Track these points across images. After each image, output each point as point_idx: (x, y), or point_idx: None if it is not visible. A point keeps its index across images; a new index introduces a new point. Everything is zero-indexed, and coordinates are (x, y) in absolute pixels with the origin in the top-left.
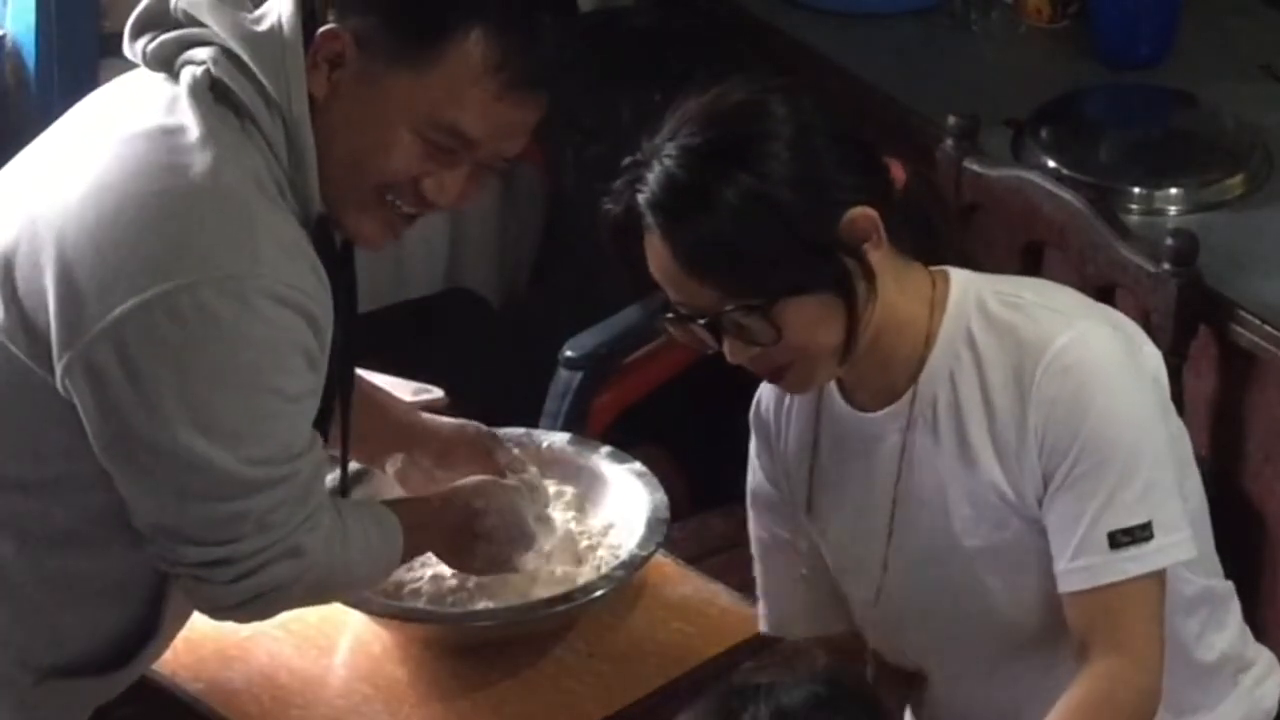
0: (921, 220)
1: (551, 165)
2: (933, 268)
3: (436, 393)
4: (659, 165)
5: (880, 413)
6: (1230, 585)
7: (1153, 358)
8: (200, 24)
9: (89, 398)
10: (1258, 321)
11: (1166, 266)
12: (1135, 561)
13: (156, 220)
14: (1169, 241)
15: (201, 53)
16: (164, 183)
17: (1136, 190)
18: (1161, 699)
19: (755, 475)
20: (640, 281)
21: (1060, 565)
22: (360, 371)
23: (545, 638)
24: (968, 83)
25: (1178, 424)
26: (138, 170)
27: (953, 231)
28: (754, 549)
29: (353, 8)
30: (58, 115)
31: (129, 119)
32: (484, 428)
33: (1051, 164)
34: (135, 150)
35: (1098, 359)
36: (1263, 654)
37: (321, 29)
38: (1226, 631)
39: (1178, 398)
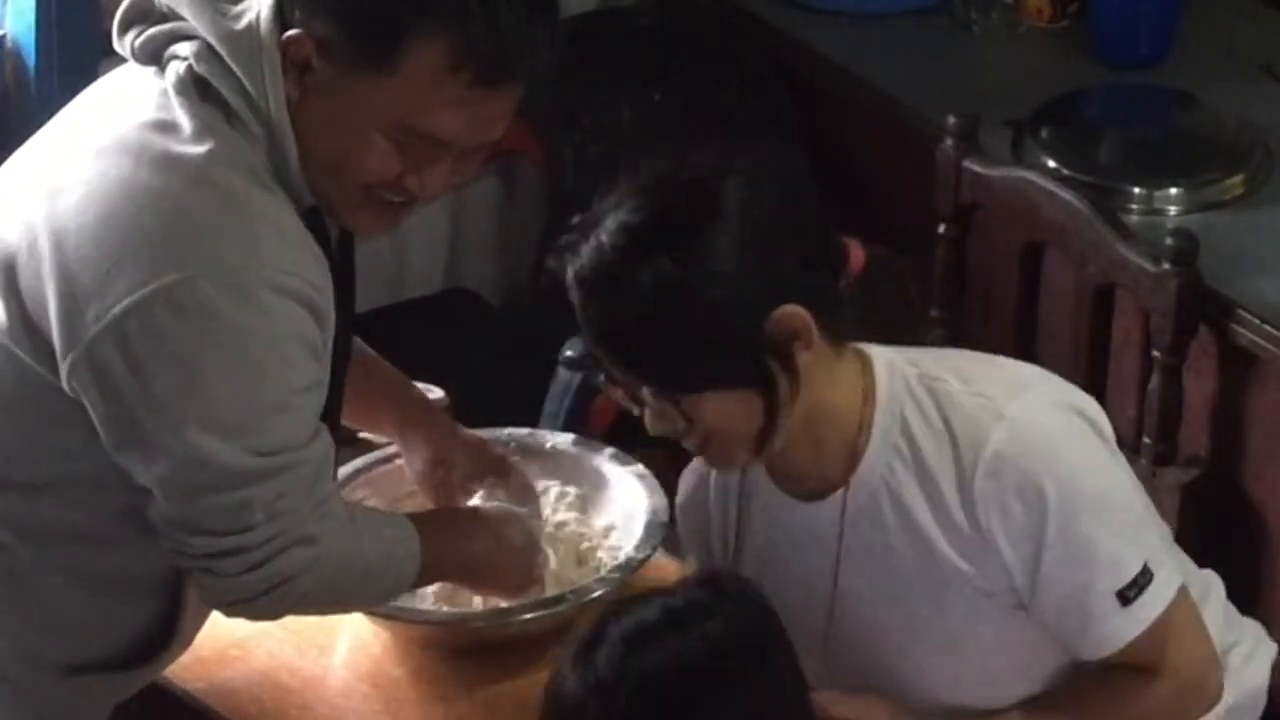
0: (873, 308)
1: (551, 165)
2: (853, 345)
3: (437, 393)
4: (594, 238)
5: (819, 503)
6: (1204, 576)
7: (1086, 401)
8: (180, 18)
9: (95, 395)
10: (1258, 321)
11: (1166, 266)
12: (1150, 606)
13: (154, 216)
14: (1169, 241)
15: (185, 47)
16: (160, 179)
17: (1136, 190)
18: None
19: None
20: None
21: (1080, 640)
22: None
23: (545, 638)
24: (968, 83)
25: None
26: (134, 169)
27: (915, 319)
28: None
29: (313, 13)
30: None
31: (122, 117)
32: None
33: (1051, 164)
34: (130, 148)
35: (1035, 440)
36: (1247, 629)
37: (287, 34)
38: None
39: (1178, 398)
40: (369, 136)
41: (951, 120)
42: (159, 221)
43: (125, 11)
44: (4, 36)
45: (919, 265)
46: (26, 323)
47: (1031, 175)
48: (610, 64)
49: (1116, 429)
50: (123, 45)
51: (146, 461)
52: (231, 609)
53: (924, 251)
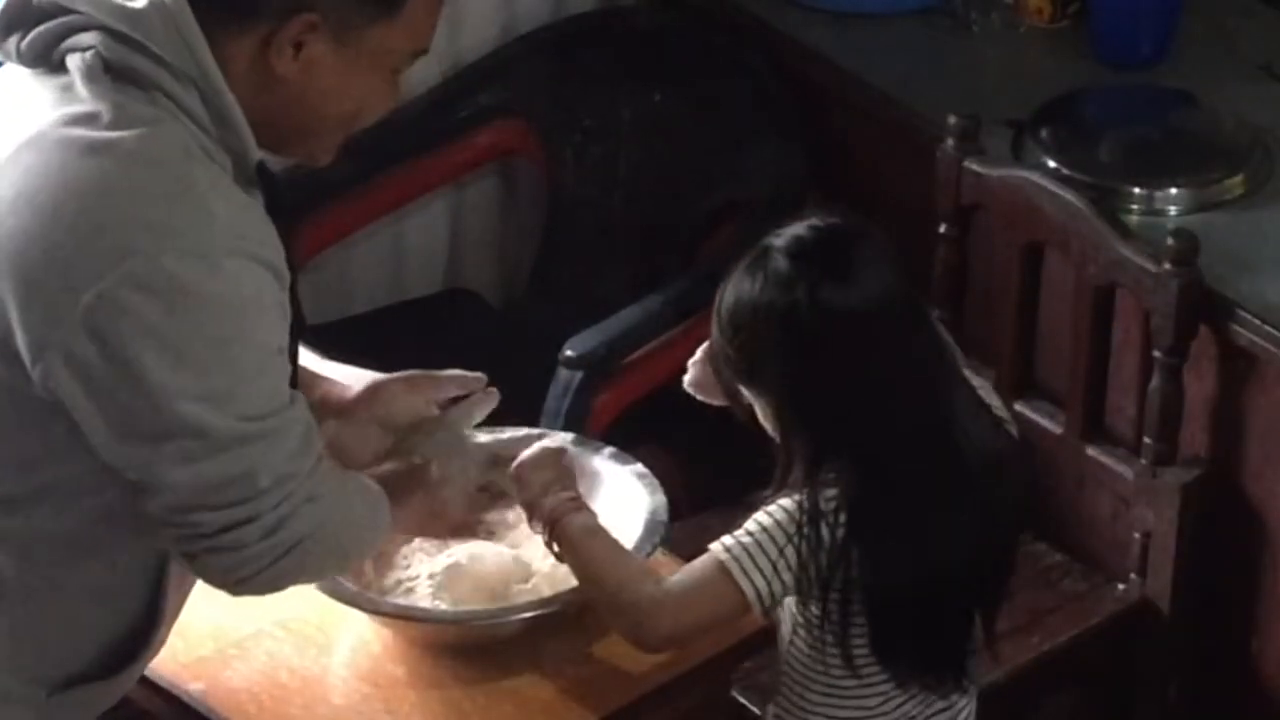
0: None
1: (551, 165)
2: None
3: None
4: None
5: None
6: None
7: None
8: (71, 11)
9: (77, 392)
10: (1258, 321)
11: (1167, 266)
12: None
13: (101, 203)
14: (1169, 241)
15: (85, 38)
16: (96, 166)
17: (1137, 190)
18: None
19: None
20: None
21: None
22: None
23: (544, 637)
24: (968, 83)
25: None
26: (63, 161)
27: None
28: None
29: None
30: None
31: (25, 117)
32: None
33: (1052, 164)
34: (51, 143)
35: None
36: None
37: (298, 16)
38: None
39: (1178, 398)
40: (382, 78)
41: (952, 120)
42: (106, 207)
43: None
44: None
45: (919, 265)
46: None
47: (1032, 175)
48: (610, 64)
49: (1117, 429)
50: (4, 51)
51: (139, 451)
52: (242, 585)
53: (924, 251)
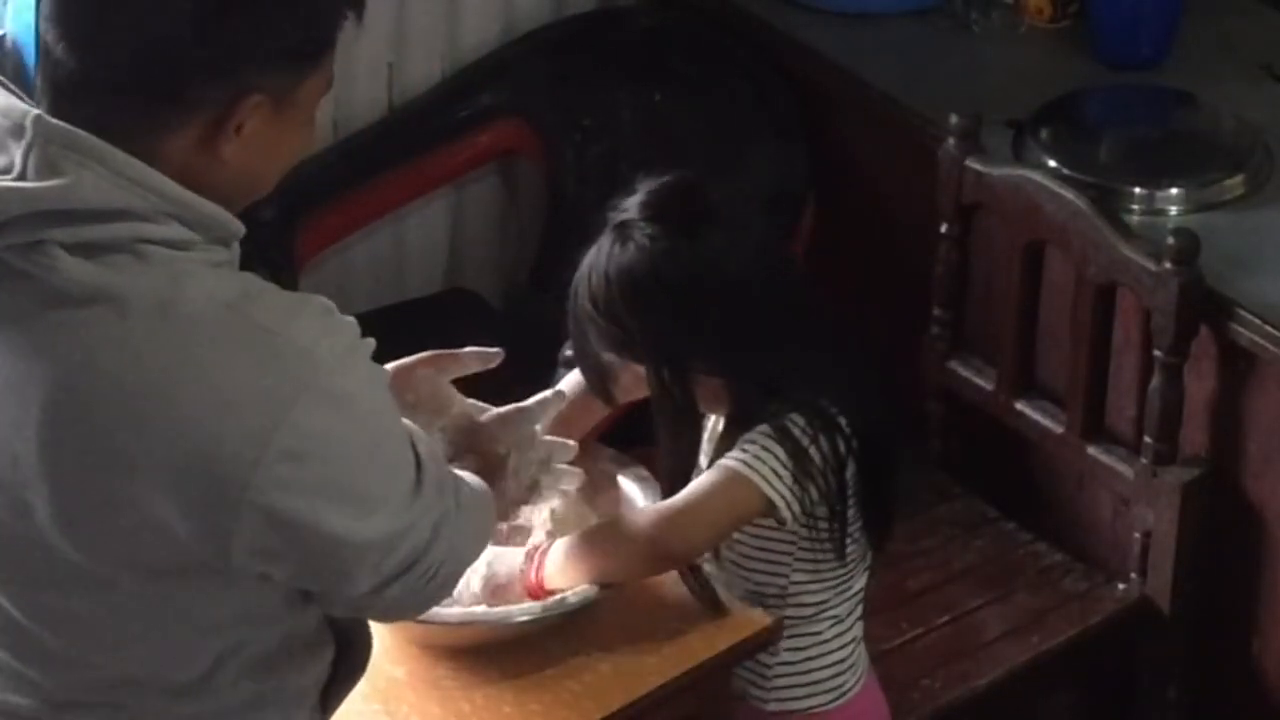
0: None
1: (551, 165)
2: None
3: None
4: None
5: None
6: None
7: None
8: None
9: (272, 567)
10: (1258, 321)
11: (1167, 266)
12: None
13: (206, 385)
14: (1170, 241)
15: (13, 237)
16: (177, 350)
17: (1137, 190)
18: None
19: None
20: None
21: None
22: None
23: (544, 638)
24: (968, 83)
25: None
26: (138, 362)
27: None
28: None
29: (266, 69)
30: None
31: (27, 343)
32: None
33: (1052, 164)
34: (109, 344)
35: None
36: None
37: (244, 100)
38: None
39: (1178, 398)
40: (311, 123)
41: (954, 120)
42: (208, 404)
43: None
44: (4, 36)
45: (920, 265)
46: (146, 549)
47: (1033, 175)
48: (610, 64)
49: (1117, 428)
50: None
51: (343, 576)
52: (398, 617)
53: (925, 251)
